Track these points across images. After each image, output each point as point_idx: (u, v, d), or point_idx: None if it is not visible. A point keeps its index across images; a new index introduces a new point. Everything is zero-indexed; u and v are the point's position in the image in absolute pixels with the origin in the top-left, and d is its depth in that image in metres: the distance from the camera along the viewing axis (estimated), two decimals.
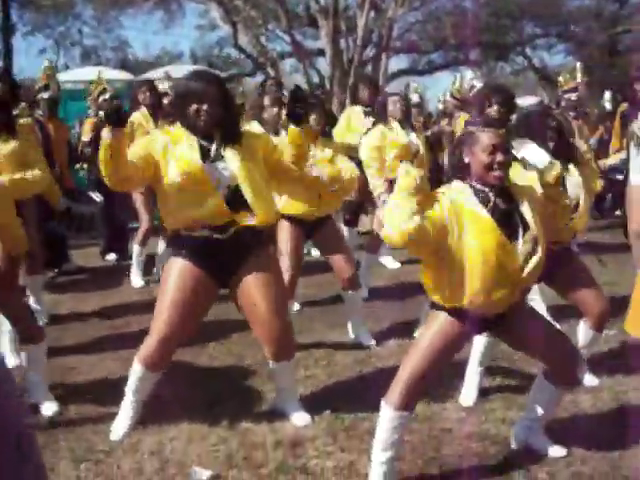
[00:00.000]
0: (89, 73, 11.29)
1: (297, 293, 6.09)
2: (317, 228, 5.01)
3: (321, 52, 14.79)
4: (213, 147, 3.48)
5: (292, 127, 3.57)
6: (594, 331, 4.14)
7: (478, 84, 8.23)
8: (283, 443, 3.53)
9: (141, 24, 38.71)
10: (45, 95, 7.25)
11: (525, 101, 10.32)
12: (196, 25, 24.49)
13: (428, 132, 7.96)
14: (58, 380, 4.36)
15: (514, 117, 4.24)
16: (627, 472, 3.24)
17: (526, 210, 3.04)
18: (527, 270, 3.00)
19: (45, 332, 4.13)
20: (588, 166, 4.32)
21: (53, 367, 4.52)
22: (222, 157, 3.47)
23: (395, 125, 6.13)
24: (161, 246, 6.56)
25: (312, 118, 4.86)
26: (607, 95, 10.14)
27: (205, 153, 3.45)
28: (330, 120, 5.43)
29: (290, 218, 4.93)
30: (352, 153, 6.03)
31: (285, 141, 3.75)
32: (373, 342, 5.02)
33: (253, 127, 5.57)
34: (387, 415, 3.06)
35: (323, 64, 14.56)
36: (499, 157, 2.95)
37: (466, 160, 3.03)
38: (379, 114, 6.68)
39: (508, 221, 2.99)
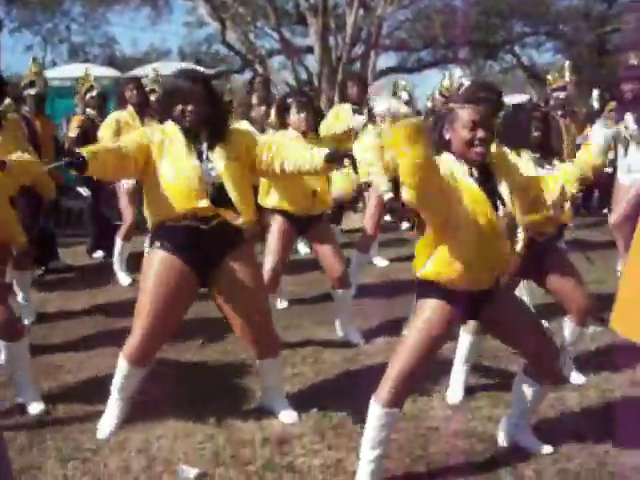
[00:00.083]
0: (76, 70, 11.23)
1: (285, 290, 6.11)
2: (310, 225, 5.01)
3: (310, 49, 14.78)
4: (203, 146, 3.48)
5: None
6: (578, 327, 4.19)
7: (466, 82, 8.24)
8: (270, 441, 3.53)
9: (128, 21, 38.66)
10: (32, 92, 7.22)
11: (513, 99, 10.37)
12: (184, 22, 24.44)
13: None
14: (45, 378, 4.34)
15: (501, 114, 4.25)
16: (613, 469, 3.26)
17: (503, 189, 3.07)
18: (516, 247, 3.05)
19: (28, 330, 4.11)
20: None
21: (40, 365, 4.51)
22: (209, 156, 3.47)
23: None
24: (147, 244, 6.54)
25: (302, 116, 4.86)
26: (595, 94, 10.17)
27: (197, 152, 3.46)
28: (319, 118, 5.42)
29: (284, 213, 4.94)
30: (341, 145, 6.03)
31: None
32: (361, 340, 5.02)
33: (242, 126, 5.57)
34: (376, 412, 3.07)
35: (311, 61, 14.55)
36: (480, 133, 2.96)
37: (447, 137, 3.05)
38: (368, 111, 6.69)
39: (488, 196, 3.02)
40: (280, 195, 4.88)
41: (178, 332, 4.69)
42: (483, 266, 3.00)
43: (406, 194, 2.77)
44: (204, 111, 3.43)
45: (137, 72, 12.37)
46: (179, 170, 3.40)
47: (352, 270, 6.28)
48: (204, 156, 3.47)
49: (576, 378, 4.25)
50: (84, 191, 7.69)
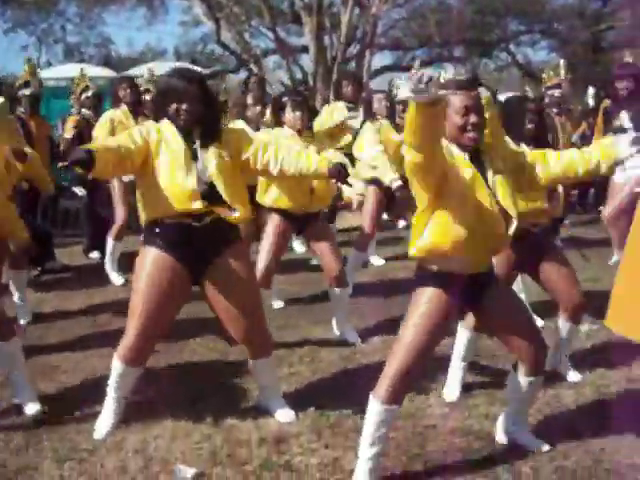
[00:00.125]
0: (71, 70, 11.21)
1: (281, 290, 6.11)
2: (308, 224, 5.03)
3: (305, 49, 14.76)
4: (196, 145, 3.48)
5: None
6: (570, 323, 4.22)
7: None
8: (267, 440, 3.53)
9: (124, 20, 38.53)
10: (26, 92, 7.20)
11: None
12: (180, 21, 24.38)
13: None
14: (42, 379, 4.34)
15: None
16: (609, 466, 3.26)
17: (490, 175, 3.09)
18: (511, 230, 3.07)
19: (24, 330, 4.10)
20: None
21: (37, 366, 4.51)
22: (202, 155, 3.47)
23: (384, 122, 6.17)
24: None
25: (297, 114, 4.87)
26: (590, 91, 10.19)
27: (191, 151, 3.46)
28: (313, 116, 5.43)
29: (281, 211, 4.94)
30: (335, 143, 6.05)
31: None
32: (358, 339, 5.03)
33: (237, 125, 5.57)
34: (375, 409, 3.07)
35: (307, 61, 14.53)
36: (472, 118, 2.97)
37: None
38: (363, 111, 6.71)
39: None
40: (278, 193, 4.89)
41: (174, 332, 4.71)
42: (477, 243, 3.00)
43: (412, 153, 2.75)
44: (198, 110, 3.43)
45: (133, 72, 12.35)
46: (174, 170, 3.41)
47: (349, 269, 6.29)
48: (197, 155, 3.47)
49: (572, 376, 4.26)
50: (80, 191, 7.69)
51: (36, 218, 6.45)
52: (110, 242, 6.73)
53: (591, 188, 11.03)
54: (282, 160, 3.58)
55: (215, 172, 3.44)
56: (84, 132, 7.06)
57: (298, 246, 7.86)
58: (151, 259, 3.49)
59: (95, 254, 7.71)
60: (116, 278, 6.67)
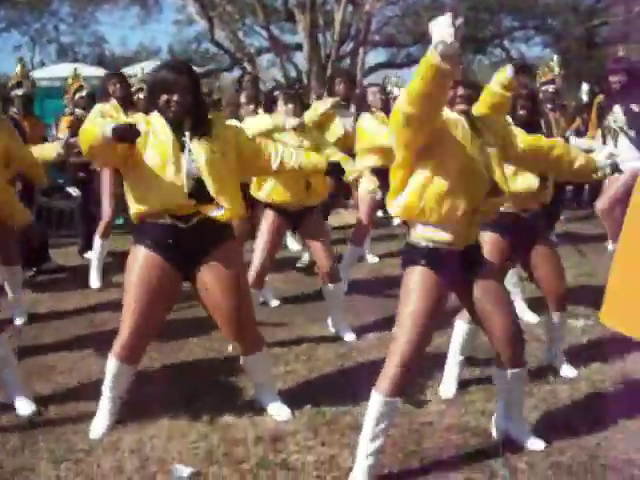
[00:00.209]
0: (65, 70, 11.17)
1: (276, 288, 6.11)
2: (302, 219, 5.03)
3: (299, 47, 14.76)
4: (185, 137, 3.47)
5: None
6: (559, 313, 4.28)
7: None
8: (264, 438, 3.53)
9: (118, 20, 38.48)
10: (19, 92, 7.17)
11: None
12: (173, 20, 24.39)
13: None
14: (37, 379, 4.33)
15: None
16: (605, 461, 3.27)
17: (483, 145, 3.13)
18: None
19: (20, 330, 4.09)
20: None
21: (32, 366, 4.51)
22: (191, 148, 3.46)
23: (381, 115, 6.19)
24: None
25: (289, 107, 4.87)
26: (584, 87, 10.20)
27: (180, 144, 3.46)
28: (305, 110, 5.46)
29: (275, 207, 4.95)
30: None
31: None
32: (354, 336, 5.03)
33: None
34: (377, 401, 3.08)
35: (300, 59, 14.53)
36: (460, 91, 3.04)
37: None
38: (357, 106, 6.71)
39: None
40: (273, 186, 4.89)
41: (169, 332, 4.72)
42: (460, 204, 3.01)
43: (413, 104, 2.71)
44: (188, 101, 3.44)
45: (126, 71, 12.32)
46: (162, 164, 3.40)
47: (345, 265, 6.30)
48: (186, 147, 3.46)
49: (567, 371, 4.27)
50: (74, 191, 7.67)
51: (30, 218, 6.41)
52: (97, 241, 6.64)
53: (586, 184, 11.03)
54: (282, 153, 3.76)
55: (204, 165, 3.44)
56: (78, 132, 7.03)
57: (292, 244, 7.86)
58: (141, 258, 3.50)
59: (90, 254, 7.69)
60: (94, 280, 6.55)
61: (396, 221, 8.86)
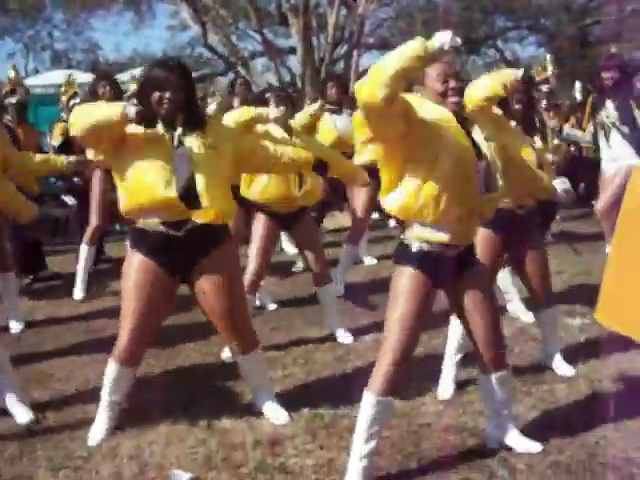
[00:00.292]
0: (58, 77, 11.18)
1: (273, 292, 6.11)
2: (295, 221, 5.03)
3: (292, 50, 14.75)
4: (176, 134, 3.48)
5: None
6: (545, 309, 4.33)
7: None
8: (262, 442, 3.52)
9: (111, 26, 38.45)
10: (12, 100, 7.15)
11: None
12: (167, 26, 24.34)
13: None
14: (35, 387, 4.33)
15: None
16: (604, 460, 3.27)
17: (478, 135, 3.14)
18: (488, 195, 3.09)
19: (18, 338, 4.09)
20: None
21: (30, 373, 4.51)
22: (183, 144, 3.47)
23: None
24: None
25: (281, 109, 4.87)
26: (577, 85, 10.23)
27: (171, 139, 3.47)
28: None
29: (268, 211, 4.94)
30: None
31: None
32: (351, 339, 5.03)
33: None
34: (370, 401, 3.08)
35: (294, 62, 14.51)
36: (452, 84, 3.04)
37: (419, 95, 3.09)
38: (353, 106, 6.71)
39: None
40: (265, 186, 4.86)
41: (167, 338, 4.71)
42: (457, 202, 3.01)
43: (377, 93, 2.74)
44: (181, 98, 3.45)
45: (121, 77, 12.30)
46: (151, 156, 3.40)
47: (341, 267, 6.31)
48: (175, 142, 3.46)
49: (565, 370, 4.27)
50: (69, 200, 7.65)
51: (25, 226, 6.39)
52: (84, 248, 6.54)
53: (581, 182, 11.05)
54: (276, 149, 3.86)
55: (194, 159, 3.44)
56: (71, 139, 7.01)
57: (289, 247, 7.86)
58: (136, 264, 3.53)
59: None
60: (79, 291, 6.46)
61: (392, 223, 8.86)
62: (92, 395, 3.90)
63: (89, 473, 3.32)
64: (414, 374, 3.80)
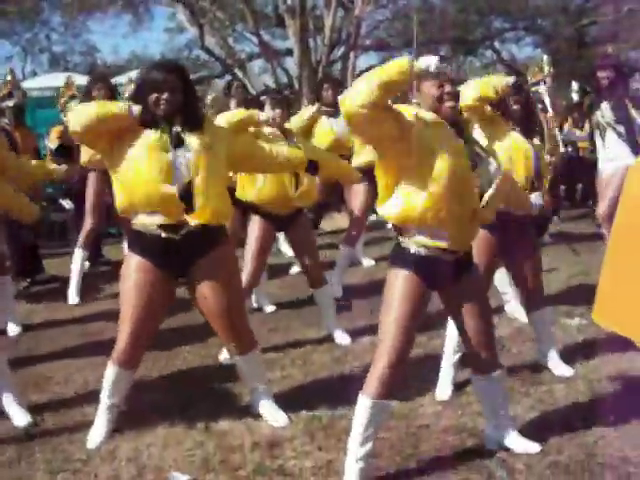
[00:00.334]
0: (55, 79, 11.17)
1: (271, 294, 6.11)
2: (291, 222, 5.03)
3: (289, 52, 14.74)
4: (174, 134, 3.47)
5: None
6: (535, 312, 4.39)
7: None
8: (260, 444, 3.52)
9: (109, 28, 38.44)
10: (9, 103, 7.13)
11: None
12: (164, 28, 24.32)
13: None
14: (33, 390, 4.32)
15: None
16: (602, 460, 3.27)
17: (478, 135, 3.15)
18: (486, 196, 3.08)
19: (16, 341, 4.08)
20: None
21: (28, 377, 4.50)
22: (182, 144, 3.46)
23: None
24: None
25: (277, 111, 4.88)
26: (574, 85, 10.22)
27: (169, 138, 3.46)
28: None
29: (263, 213, 4.93)
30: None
31: None
32: (349, 340, 5.03)
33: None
34: (365, 405, 3.08)
35: (292, 64, 14.51)
36: (447, 88, 3.05)
37: (415, 102, 3.11)
38: None
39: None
40: (260, 188, 4.85)
41: (165, 340, 4.71)
42: (456, 208, 3.01)
43: (365, 103, 2.78)
44: (178, 99, 3.45)
45: (118, 79, 12.30)
46: (149, 155, 3.40)
47: (338, 268, 6.31)
48: (173, 142, 3.45)
49: (564, 370, 4.27)
50: (67, 204, 7.65)
51: (22, 229, 6.39)
52: (78, 251, 6.51)
53: (579, 183, 11.07)
54: (271, 148, 3.90)
55: (194, 162, 3.44)
56: (68, 142, 7.00)
57: (287, 249, 7.85)
58: (134, 265, 3.54)
59: (84, 264, 7.67)
60: (73, 295, 6.42)
61: (390, 224, 8.86)
62: (90, 398, 3.90)
63: (88, 476, 3.32)
64: (413, 375, 3.80)
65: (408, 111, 2.99)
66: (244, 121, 4.71)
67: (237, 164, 3.81)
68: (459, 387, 4.06)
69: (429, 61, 2.93)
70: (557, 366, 4.30)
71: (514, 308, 5.39)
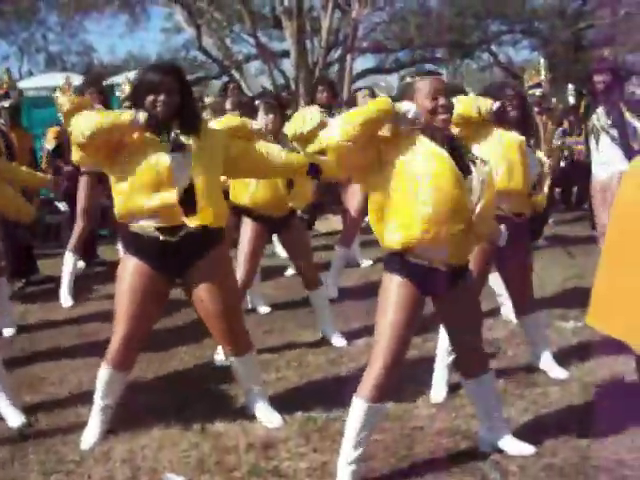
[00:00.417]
0: (51, 79, 11.15)
1: (266, 295, 6.11)
2: (284, 225, 5.03)
3: (286, 53, 14.74)
4: (172, 137, 3.46)
5: None
6: (524, 316, 4.42)
7: None
8: (255, 446, 3.52)
9: (105, 28, 38.41)
10: (5, 104, 7.12)
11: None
12: (161, 28, 24.29)
13: None
14: (28, 390, 4.31)
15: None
16: (597, 462, 3.27)
17: (476, 150, 3.17)
18: (478, 207, 3.06)
19: (11, 342, 4.08)
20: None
21: (22, 377, 4.49)
22: (180, 148, 3.45)
23: None
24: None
25: (270, 117, 4.87)
26: (570, 88, 10.23)
27: (168, 143, 3.45)
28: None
29: (255, 215, 4.92)
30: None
31: None
32: (344, 342, 5.03)
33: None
34: (360, 408, 3.07)
35: (288, 66, 14.50)
36: (441, 101, 3.04)
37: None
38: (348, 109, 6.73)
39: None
40: (254, 191, 4.84)
41: (160, 342, 4.71)
42: (448, 229, 3.00)
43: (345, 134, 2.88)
44: (175, 101, 3.44)
45: (115, 80, 12.28)
46: (148, 160, 3.39)
47: (333, 270, 6.31)
48: (171, 146, 3.44)
49: (558, 373, 4.28)
50: (63, 206, 7.65)
51: (18, 230, 6.39)
52: (68, 255, 6.49)
53: (574, 186, 11.08)
54: (268, 153, 3.85)
55: (193, 166, 3.43)
56: (64, 143, 7.00)
57: (282, 251, 7.85)
58: (131, 267, 3.54)
59: (79, 264, 7.65)
60: (66, 298, 6.40)
61: None
62: (85, 399, 3.89)
63: (81, 477, 3.31)
64: (407, 377, 3.80)
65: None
66: (237, 129, 4.70)
67: (233, 168, 3.78)
68: (453, 389, 4.06)
69: (409, 107, 2.97)
70: (552, 368, 4.31)
71: (509, 310, 5.39)
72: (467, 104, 4.05)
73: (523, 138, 4.15)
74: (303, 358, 4.76)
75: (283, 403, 3.95)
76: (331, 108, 6.98)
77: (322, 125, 5.98)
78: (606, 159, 6.17)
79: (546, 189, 4.47)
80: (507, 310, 5.42)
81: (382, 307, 3.12)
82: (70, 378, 4.54)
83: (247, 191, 4.85)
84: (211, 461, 3.40)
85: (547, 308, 5.22)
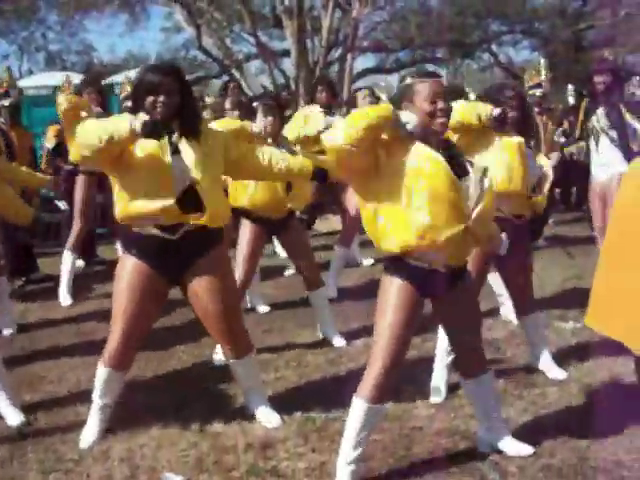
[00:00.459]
0: (51, 78, 11.16)
1: (266, 295, 6.11)
2: (283, 227, 5.03)
3: (287, 53, 14.73)
4: (173, 139, 3.46)
5: None
6: (524, 316, 4.43)
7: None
8: (254, 445, 3.52)
9: (105, 27, 38.38)
10: (5, 103, 7.11)
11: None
12: (161, 28, 24.28)
13: None
14: (27, 389, 4.32)
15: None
16: (595, 463, 3.27)
17: (478, 159, 3.18)
18: (475, 212, 3.04)
19: (11, 340, 4.08)
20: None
21: (22, 376, 4.49)
22: (180, 149, 3.45)
23: None
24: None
25: (269, 119, 4.87)
26: (570, 88, 10.25)
27: (169, 146, 3.44)
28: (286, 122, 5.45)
29: (254, 217, 4.92)
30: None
31: None
32: (344, 342, 5.03)
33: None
34: (360, 409, 3.07)
35: (289, 65, 14.48)
36: (440, 104, 3.04)
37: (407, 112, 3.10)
38: (348, 110, 6.73)
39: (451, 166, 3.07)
40: (252, 193, 4.84)
41: (158, 341, 4.71)
42: (445, 232, 2.99)
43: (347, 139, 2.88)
44: (175, 102, 3.43)
45: (115, 79, 12.29)
46: (148, 163, 3.38)
47: (333, 270, 6.31)
48: (172, 147, 3.43)
49: (557, 373, 4.28)
50: (63, 205, 7.63)
51: (18, 229, 6.39)
52: (67, 254, 6.50)
53: (574, 186, 11.08)
54: (271, 156, 3.77)
55: (194, 168, 3.43)
56: (64, 142, 6.99)
57: (282, 251, 7.85)
58: (129, 266, 3.53)
59: (79, 263, 7.66)
60: (64, 297, 6.40)
61: None
62: (83, 397, 3.89)
63: (80, 476, 3.31)
64: (406, 377, 3.80)
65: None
66: (236, 132, 4.70)
67: (234, 170, 3.76)
68: (452, 389, 4.06)
69: (408, 119, 2.98)
70: (550, 369, 4.31)
71: (509, 310, 5.39)
72: (467, 111, 4.03)
73: (522, 139, 4.15)
74: (302, 358, 4.76)
75: (282, 403, 3.95)
76: (331, 108, 7.00)
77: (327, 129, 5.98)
78: (606, 161, 6.17)
79: (546, 190, 4.46)
80: (507, 310, 5.42)
81: (381, 308, 3.12)
82: (69, 376, 4.54)
83: (246, 193, 4.85)
84: (210, 460, 3.40)
85: (546, 308, 5.23)
